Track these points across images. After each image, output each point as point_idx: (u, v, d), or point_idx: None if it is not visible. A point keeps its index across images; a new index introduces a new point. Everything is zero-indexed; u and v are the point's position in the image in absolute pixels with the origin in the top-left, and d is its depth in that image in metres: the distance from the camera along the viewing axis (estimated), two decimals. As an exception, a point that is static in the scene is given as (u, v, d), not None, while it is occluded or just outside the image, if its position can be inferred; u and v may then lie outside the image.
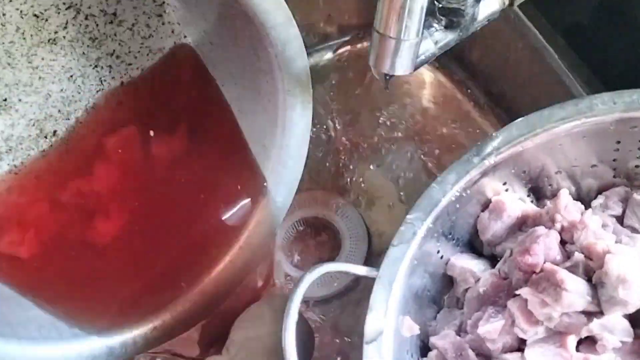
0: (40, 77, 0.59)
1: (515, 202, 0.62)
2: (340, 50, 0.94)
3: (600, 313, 0.53)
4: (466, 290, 0.62)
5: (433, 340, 0.60)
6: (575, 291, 0.53)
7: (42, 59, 0.59)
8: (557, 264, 0.56)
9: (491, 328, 0.57)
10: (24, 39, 0.57)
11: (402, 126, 0.89)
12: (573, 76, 0.76)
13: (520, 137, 0.59)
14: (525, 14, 0.78)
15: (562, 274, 0.53)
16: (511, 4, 0.67)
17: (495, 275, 0.60)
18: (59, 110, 0.60)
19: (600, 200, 0.63)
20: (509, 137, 0.59)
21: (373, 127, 0.88)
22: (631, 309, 0.53)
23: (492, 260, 0.63)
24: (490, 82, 0.89)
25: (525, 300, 0.55)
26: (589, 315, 0.54)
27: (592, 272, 0.55)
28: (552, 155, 0.61)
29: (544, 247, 0.57)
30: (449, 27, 0.66)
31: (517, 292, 0.56)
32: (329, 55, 0.94)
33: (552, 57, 0.77)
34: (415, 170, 0.86)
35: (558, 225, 0.59)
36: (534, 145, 0.59)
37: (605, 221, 0.60)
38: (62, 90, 0.60)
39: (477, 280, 0.61)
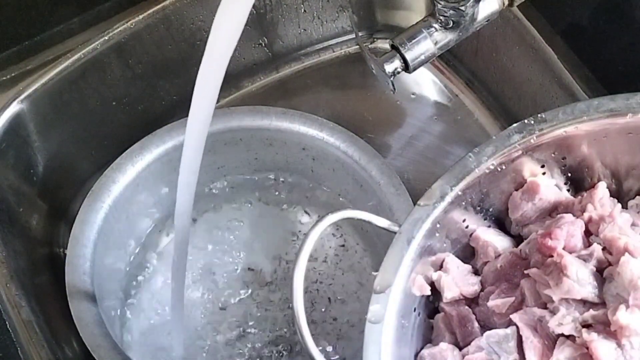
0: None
1: (550, 188, 0.62)
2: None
3: (601, 304, 0.54)
4: (485, 263, 0.62)
5: (442, 304, 0.61)
6: (576, 279, 0.53)
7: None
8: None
9: (501, 302, 0.58)
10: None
11: (402, 125, 0.90)
12: (572, 77, 0.76)
13: (565, 122, 0.59)
14: (525, 15, 0.78)
15: (567, 260, 0.54)
16: (510, 4, 0.67)
17: (515, 254, 0.60)
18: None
19: (637, 200, 0.63)
20: (554, 119, 0.59)
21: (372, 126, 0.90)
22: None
23: (518, 240, 0.64)
24: (489, 82, 0.89)
25: (535, 281, 0.56)
26: (590, 305, 0.54)
27: (607, 265, 0.55)
28: (596, 147, 0.61)
29: (567, 233, 0.57)
30: (448, 27, 0.66)
31: (526, 272, 0.56)
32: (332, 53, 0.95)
33: (552, 57, 0.77)
34: (416, 169, 0.87)
35: (586, 216, 0.59)
36: (578, 132, 0.59)
37: (636, 222, 0.60)
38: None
39: (498, 256, 0.62)
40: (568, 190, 0.64)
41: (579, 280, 0.54)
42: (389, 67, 0.69)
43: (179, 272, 0.74)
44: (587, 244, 0.58)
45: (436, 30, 0.67)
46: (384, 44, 0.93)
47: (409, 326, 0.58)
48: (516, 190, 0.63)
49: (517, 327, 0.56)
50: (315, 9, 0.91)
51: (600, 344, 0.52)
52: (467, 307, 0.61)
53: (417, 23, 0.70)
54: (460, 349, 0.59)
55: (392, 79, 0.69)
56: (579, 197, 0.62)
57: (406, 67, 0.70)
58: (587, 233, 0.59)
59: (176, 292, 0.76)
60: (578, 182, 0.64)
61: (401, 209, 0.75)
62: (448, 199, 0.58)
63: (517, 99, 0.86)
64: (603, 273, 0.55)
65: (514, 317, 0.56)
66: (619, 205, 0.61)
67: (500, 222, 0.64)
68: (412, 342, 0.59)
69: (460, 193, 0.59)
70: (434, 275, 0.60)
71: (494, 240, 0.62)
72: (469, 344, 0.58)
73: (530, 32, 0.79)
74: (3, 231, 0.75)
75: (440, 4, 0.66)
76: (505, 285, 0.59)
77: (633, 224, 0.59)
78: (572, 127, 0.59)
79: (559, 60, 0.77)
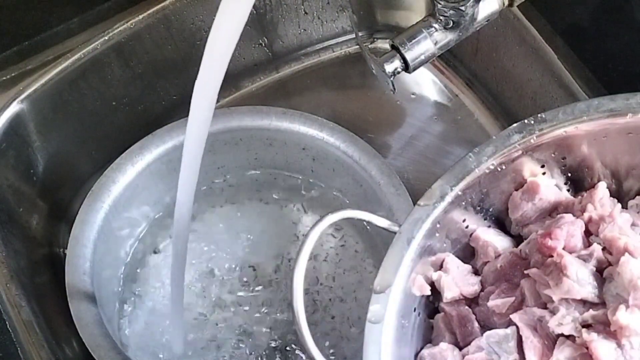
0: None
1: (550, 188, 0.62)
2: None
3: (601, 304, 0.54)
4: (485, 263, 0.62)
5: (442, 304, 0.61)
6: (576, 279, 0.53)
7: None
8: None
9: (501, 302, 0.58)
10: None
11: (402, 125, 0.90)
12: (572, 77, 0.76)
13: (565, 122, 0.59)
14: (525, 15, 0.78)
15: (567, 260, 0.54)
16: (510, 4, 0.68)
17: (515, 254, 0.60)
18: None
19: (637, 200, 0.63)
20: (554, 119, 0.59)
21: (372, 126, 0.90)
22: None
23: (518, 240, 0.64)
24: (489, 82, 0.89)
25: (535, 281, 0.56)
26: (590, 305, 0.54)
27: (607, 265, 0.55)
28: (596, 147, 0.61)
29: (567, 233, 0.57)
30: (448, 27, 0.66)
31: (526, 272, 0.56)
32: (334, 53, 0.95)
33: (552, 57, 0.77)
34: (416, 169, 0.87)
35: (586, 216, 0.59)
36: (578, 132, 0.59)
37: (636, 222, 0.60)
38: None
39: (498, 256, 0.62)
40: (568, 190, 0.64)
41: (579, 280, 0.54)
42: (389, 67, 0.69)
43: (178, 271, 0.74)
44: (587, 244, 0.58)
45: (436, 30, 0.68)
46: (384, 44, 0.93)
47: (409, 326, 0.58)
48: (516, 190, 0.63)
49: (517, 327, 0.56)
50: (316, 9, 0.91)
51: (600, 344, 0.52)
52: (467, 307, 0.61)
53: (417, 23, 0.70)
54: (460, 349, 0.59)
55: (392, 79, 0.69)
56: (579, 197, 0.62)
57: (406, 67, 0.70)
58: (587, 233, 0.59)
59: (176, 290, 0.76)
60: (578, 182, 0.64)
61: (401, 209, 0.75)
62: (448, 199, 0.58)
63: (517, 99, 0.86)
64: (603, 273, 0.55)
65: (514, 317, 0.56)
66: (619, 205, 0.61)
67: (500, 222, 0.64)
68: (412, 342, 0.59)
69: (460, 193, 0.59)
70: (434, 275, 0.60)
71: (494, 240, 0.62)
72: (469, 344, 0.58)
73: (530, 32, 0.79)
74: (3, 231, 0.75)
75: (440, 4, 0.66)
76: (505, 285, 0.59)
77: (633, 224, 0.59)
78: (572, 127, 0.59)
79: (559, 60, 0.77)
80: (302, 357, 0.80)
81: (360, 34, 0.95)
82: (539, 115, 0.59)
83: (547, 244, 0.56)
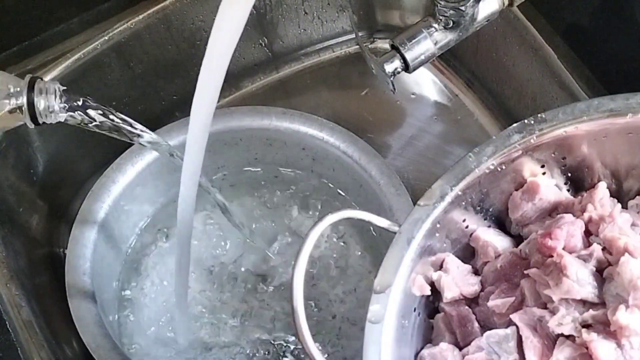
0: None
1: (550, 188, 0.62)
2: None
3: (601, 304, 0.54)
4: (485, 263, 0.62)
5: (442, 304, 0.61)
6: (576, 279, 0.53)
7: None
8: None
9: (501, 302, 0.58)
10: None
11: (402, 125, 0.90)
12: (573, 77, 0.76)
13: (565, 122, 0.59)
14: (525, 15, 0.79)
15: (567, 260, 0.54)
16: (511, 4, 0.68)
17: (515, 254, 0.60)
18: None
19: (637, 200, 0.63)
20: (554, 119, 0.59)
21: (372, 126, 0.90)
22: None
23: (518, 240, 0.64)
24: (489, 82, 0.89)
25: (535, 281, 0.56)
26: (590, 305, 0.54)
27: (607, 264, 0.55)
28: (596, 147, 0.61)
29: (567, 233, 0.57)
30: (448, 27, 0.67)
31: (526, 272, 0.56)
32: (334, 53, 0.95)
33: (552, 57, 0.78)
34: (416, 169, 0.87)
35: (586, 216, 0.59)
36: (578, 132, 0.59)
37: (636, 222, 0.60)
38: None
39: (498, 256, 0.62)
40: (568, 190, 0.64)
41: (579, 280, 0.54)
42: (389, 67, 0.69)
43: (183, 266, 0.74)
44: (587, 244, 0.58)
45: (436, 30, 0.68)
46: (384, 44, 0.93)
47: (409, 326, 0.58)
48: (516, 190, 0.63)
49: (517, 327, 0.56)
50: (316, 9, 0.91)
51: (600, 344, 0.52)
52: (467, 307, 0.61)
53: (417, 23, 0.70)
54: (460, 349, 0.59)
55: (392, 79, 0.70)
56: (579, 197, 0.62)
57: (406, 67, 0.70)
58: (587, 233, 0.59)
59: (180, 286, 0.76)
60: (578, 182, 0.64)
61: (401, 209, 0.75)
62: (448, 199, 0.58)
63: (517, 99, 0.86)
64: (603, 273, 0.55)
65: (514, 317, 0.56)
66: (619, 205, 0.61)
67: (500, 222, 0.64)
68: (412, 342, 0.59)
69: (460, 193, 0.59)
70: (434, 275, 0.60)
71: (494, 240, 0.62)
72: (469, 344, 0.58)
73: (530, 32, 0.79)
74: (3, 231, 0.75)
75: (440, 4, 0.66)
76: (505, 285, 0.59)
77: (633, 224, 0.59)
78: (572, 127, 0.59)
79: (559, 60, 0.77)
80: (302, 357, 0.80)
81: (360, 34, 0.95)
82: (539, 115, 0.59)
83: (547, 244, 0.56)
